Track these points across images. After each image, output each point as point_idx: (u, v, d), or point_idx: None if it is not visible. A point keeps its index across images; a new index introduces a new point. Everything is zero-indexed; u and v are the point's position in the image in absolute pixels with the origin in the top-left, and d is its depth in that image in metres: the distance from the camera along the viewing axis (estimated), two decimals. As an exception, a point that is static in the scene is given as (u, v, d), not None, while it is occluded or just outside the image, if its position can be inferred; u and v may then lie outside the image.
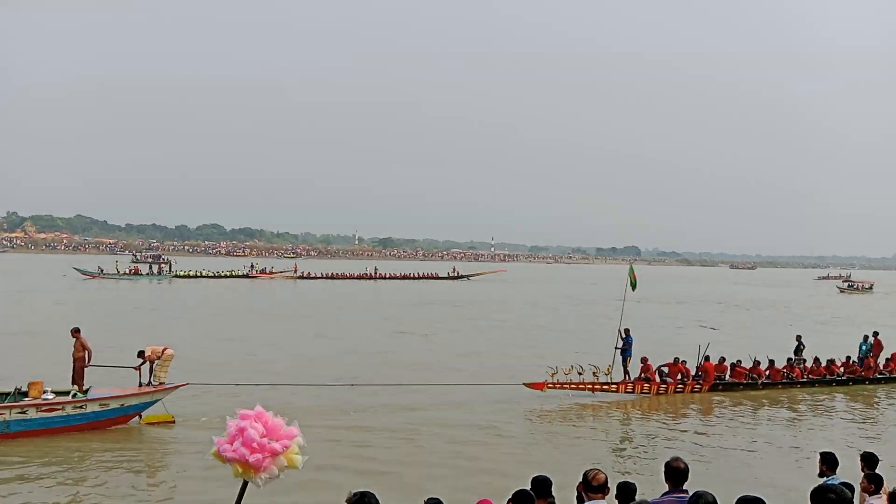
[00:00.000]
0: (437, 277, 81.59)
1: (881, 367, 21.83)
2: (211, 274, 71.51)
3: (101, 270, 65.27)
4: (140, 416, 14.68)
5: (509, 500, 4.75)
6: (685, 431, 15.62)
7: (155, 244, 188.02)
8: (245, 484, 3.91)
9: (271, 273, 76.46)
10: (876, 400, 19.61)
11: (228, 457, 3.73)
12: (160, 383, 14.73)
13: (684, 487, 4.86)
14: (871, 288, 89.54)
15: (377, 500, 3.88)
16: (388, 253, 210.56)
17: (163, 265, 70.84)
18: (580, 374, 18.28)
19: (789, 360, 21.15)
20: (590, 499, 4.80)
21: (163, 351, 14.94)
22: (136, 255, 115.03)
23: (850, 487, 5.86)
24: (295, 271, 76.44)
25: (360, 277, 76.42)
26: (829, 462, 6.75)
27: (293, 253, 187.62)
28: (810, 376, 20.60)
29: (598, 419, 16.68)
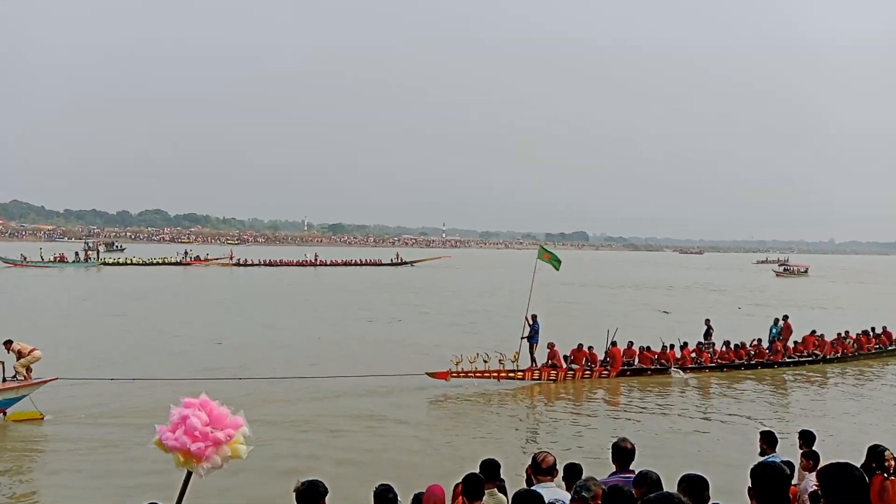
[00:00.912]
0: (380, 264, 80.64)
1: (791, 350, 22.07)
2: (141, 261, 69.27)
3: (25, 258, 62.55)
4: (4, 414, 13.76)
5: (458, 484, 4.80)
6: (594, 416, 15.61)
7: (95, 230, 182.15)
8: (189, 475, 3.78)
9: (206, 260, 74.57)
10: (783, 382, 19.76)
11: (170, 445, 3.62)
12: (24, 378, 13.83)
13: (630, 467, 4.93)
14: (806, 272, 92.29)
15: (326, 488, 3.92)
16: (338, 239, 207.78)
17: (90, 253, 68.09)
18: (485, 361, 17.89)
19: (699, 343, 21.20)
20: (539, 481, 4.80)
21: (30, 352, 14.05)
22: (88, 243, 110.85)
23: (791, 465, 6.20)
24: (230, 258, 74.54)
25: (299, 264, 75.16)
26: (769, 440, 6.98)
27: (239, 240, 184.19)
28: (719, 360, 20.64)
29: (508, 406, 16.45)
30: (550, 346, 19.22)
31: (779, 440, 7.23)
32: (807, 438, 7.33)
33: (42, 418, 13.87)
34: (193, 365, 19.28)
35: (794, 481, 6.48)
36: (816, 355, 21.96)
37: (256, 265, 72.52)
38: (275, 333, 26.05)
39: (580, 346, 19.50)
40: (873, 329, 24.66)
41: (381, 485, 4.86)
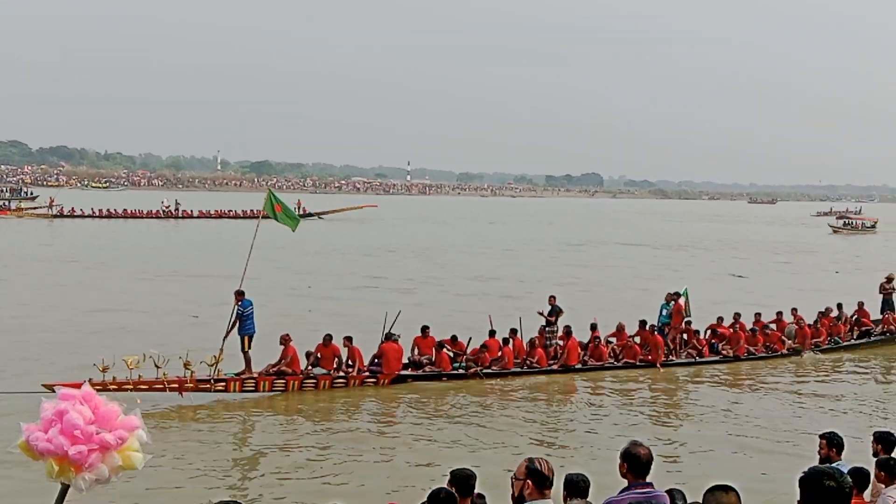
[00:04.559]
0: (266, 217, 78.09)
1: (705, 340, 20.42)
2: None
3: None
4: None
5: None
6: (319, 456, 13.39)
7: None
8: (64, 489, 3.70)
9: (18, 210, 73.31)
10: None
11: (41, 448, 3.57)
12: None
13: (648, 480, 5.13)
14: (873, 226, 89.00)
15: None
16: (262, 182, 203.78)
17: None
18: (158, 367, 15.38)
19: (542, 328, 19.61)
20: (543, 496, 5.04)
21: None
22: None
23: (866, 474, 6.56)
24: (50, 207, 73.19)
25: (151, 216, 73.26)
26: (833, 444, 7.13)
27: (126, 182, 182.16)
28: (553, 363, 18.75)
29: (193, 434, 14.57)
30: (284, 339, 16.78)
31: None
32: (885, 442, 7.32)
33: None
34: None
35: (867, 497, 6.66)
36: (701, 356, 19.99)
37: (87, 216, 71.74)
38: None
39: (328, 338, 17.15)
40: (828, 309, 22.64)
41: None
